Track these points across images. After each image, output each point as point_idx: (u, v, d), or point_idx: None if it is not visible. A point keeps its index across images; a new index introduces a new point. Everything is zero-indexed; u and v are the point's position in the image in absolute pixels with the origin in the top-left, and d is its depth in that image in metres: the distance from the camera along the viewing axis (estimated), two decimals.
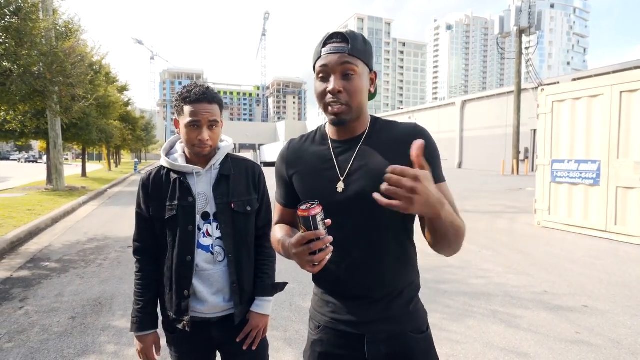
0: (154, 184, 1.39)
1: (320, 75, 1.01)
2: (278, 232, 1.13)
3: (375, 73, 1.07)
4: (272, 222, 1.24)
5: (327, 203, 1.00)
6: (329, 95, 0.99)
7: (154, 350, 1.40)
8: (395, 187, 0.76)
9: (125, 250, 5.49)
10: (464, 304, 3.47)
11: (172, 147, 1.49)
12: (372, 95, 1.08)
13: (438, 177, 1.03)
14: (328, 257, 0.88)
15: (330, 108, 1.00)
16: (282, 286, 1.46)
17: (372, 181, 0.99)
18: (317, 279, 1.14)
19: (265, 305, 1.41)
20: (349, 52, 0.98)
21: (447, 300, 3.56)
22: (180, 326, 1.33)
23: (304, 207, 0.88)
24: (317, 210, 0.87)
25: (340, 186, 1.03)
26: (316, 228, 0.86)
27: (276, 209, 1.23)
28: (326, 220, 0.89)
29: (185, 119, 1.32)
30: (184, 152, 1.42)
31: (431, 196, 0.79)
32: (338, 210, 1.01)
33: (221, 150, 1.43)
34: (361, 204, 1.01)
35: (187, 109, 1.31)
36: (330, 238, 0.86)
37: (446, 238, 0.93)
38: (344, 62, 0.97)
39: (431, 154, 1.02)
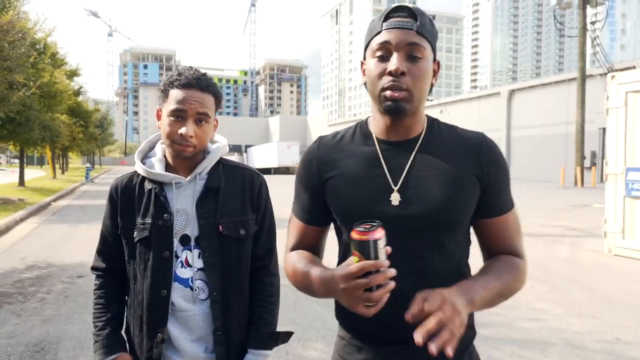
0: (123, 195, 1.40)
1: (379, 53, 1.02)
2: (298, 261, 1.12)
3: (438, 63, 1.11)
4: (287, 246, 1.22)
5: (375, 216, 1.01)
6: (388, 77, 1.00)
7: None
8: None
9: (74, 280, 5.52)
10: (511, 355, 3.46)
11: (151, 148, 1.49)
12: (430, 90, 1.10)
13: (505, 205, 1.12)
14: (387, 295, 0.87)
15: (389, 92, 1.00)
16: (284, 337, 1.44)
17: (435, 201, 1.03)
18: (347, 318, 1.13)
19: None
20: (417, 29, 1.01)
21: (491, 349, 3.55)
22: None
23: (361, 228, 0.86)
24: (379, 234, 0.85)
25: (395, 198, 1.04)
26: (376, 257, 0.84)
27: (293, 228, 1.21)
28: (387, 247, 0.88)
29: (168, 107, 1.32)
30: (164, 156, 1.43)
31: (459, 315, 0.88)
32: (390, 228, 1.01)
33: (211, 155, 1.42)
34: (421, 224, 1.03)
35: (173, 93, 1.32)
36: (393, 271, 0.86)
37: (493, 304, 1.05)
38: (411, 42, 1.00)
39: (499, 176, 1.10)
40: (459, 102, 37.44)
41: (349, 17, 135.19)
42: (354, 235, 0.86)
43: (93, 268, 1.46)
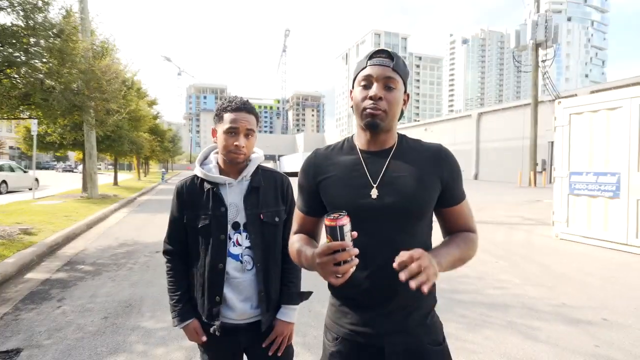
0: (188, 192, 1.42)
1: (363, 83, 1.06)
2: (296, 242, 1.13)
3: (408, 95, 1.12)
4: (292, 231, 1.22)
5: (359, 207, 1.03)
6: (369, 101, 1.04)
7: (200, 335, 1.39)
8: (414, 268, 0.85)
9: (153, 255, 5.63)
10: (480, 314, 3.40)
11: (206, 157, 1.51)
12: (401, 115, 1.11)
13: (460, 196, 1.12)
14: (352, 269, 0.86)
15: (368, 111, 1.03)
16: (307, 295, 1.47)
17: (406, 194, 1.04)
18: (335, 287, 1.12)
19: (290, 313, 1.42)
20: (393, 67, 1.04)
21: (464, 310, 3.50)
22: (210, 330, 1.36)
23: (331, 216, 0.86)
24: (344, 221, 0.85)
25: (374, 192, 1.04)
26: (342, 239, 0.84)
27: (296, 218, 1.21)
28: (352, 232, 0.88)
29: (224, 126, 1.35)
30: (218, 163, 1.44)
31: (434, 267, 0.89)
32: (370, 216, 1.04)
33: (252, 162, 1.44)
34: (395, 213, 1.03)
35: (227, 116, 1.35)
36: (356, 250, 0.86)
37: (453, 268, 1.05)
38: (387, 76, 1.03)
39: (454, 175, 1.10)
40: (439, 123, 36.89)
41: (355, 59, 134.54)
42: (325, 222, 0.86)
43: (164, 252, 1.48)
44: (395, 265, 0.86)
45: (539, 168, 23.66)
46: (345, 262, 0.85)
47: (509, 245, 6.30)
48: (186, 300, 1.42)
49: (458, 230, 1.12)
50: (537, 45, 22.50)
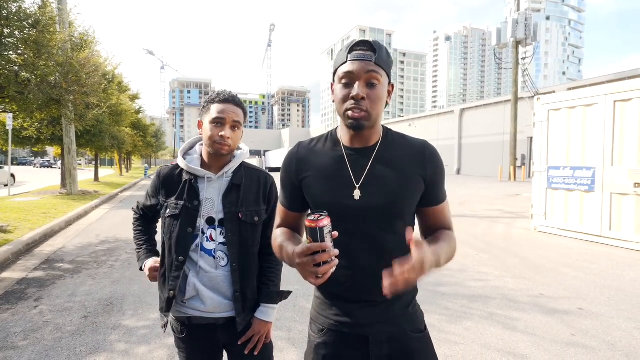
0: (166, 178, 1.42)
1: (344, 80, 0.99)
2: (279, 236, 1.10)
3: (392, 85, 1.07)
4: (275, 225, 1.19)
5: (341, 208, 1.01)
6: (351, 101, 0.98)
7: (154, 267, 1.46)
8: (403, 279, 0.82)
9: (135, 252, 5.50)
10: (461, 306, 3.45)
11: (191, 147, 1.48)
12: (385, 105, 1.07)
13: (441, 197, 1.10)
14: (332, 270, 0.85)
15: (350, 113, 0.98)
16: (286, 294, 1.43)
17: (389, 195, 1.02)
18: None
19: (269, 312, 1.39)
20: (375, 61, 0.97)
21: (446, 302, 3.55)
22: (163, 322, 1.37)
23: (312, 217, 0.84)
24: (325, 222, 0.83)
25: (357, 194, 1.02)
26: (322, 240, 0.82)
27: (279, 212, 1.19)
28: (333, 232, 0.86)
29: (210, 116, 1.33)
30: (201, 156, 1.42)
31: (425, 273, 0.84)
32: (352, 217, 1.02)
33: (236, 159, 1.42)
34: (377, 214, 1.01)
35: (214, 107, 1.34)
36: (336, 251, 0.84)
37: (447, 263, 1.02)
38: (369, 71, 0.97)
39: (438, 175, 1.08)
40: (423, 118, 37.28)
41: None
42: (306, 223, 0.84)
43: (135, 208, 1.58)
44: (386, 292, 0.83)
45: (518, 163, 24.21)
46: (325, 262, 0.83)
47: (490, 238, 6.42)
48: (148, 245, 1.54)
49: (438, 228, 1.11)
50: (518, 43, 22.93)
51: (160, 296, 1.40)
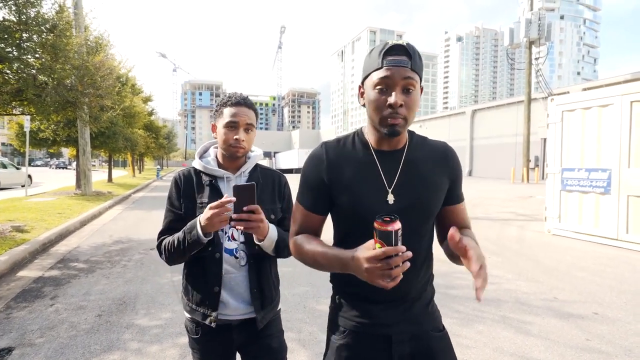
0: (185, 182, 1.40)
1: (379, 87, 0.97)
2: (305, 242, 1.06)
3: (422, 87, 1.06)
4: (294, 229, 1.14)
5: (375, 212, 0.99)
6: (389, 109, 0.97)
7: (221, 198, 1.22)
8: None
9: (148, 252, 5.59)
10: (474, 309, 3.42)
11: (205, 151, 1.50)
12: None
13: (461, 196, 1.13)
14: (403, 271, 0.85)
15: (390, 120, 0.97)
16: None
17: (421, 198, 1.05)
18: (340, 283, 1.12)
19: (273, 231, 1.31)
20: (411, 67, 0.96)
21: (458, 305, 3.52)
22: (207, 322, 1.33)
23: (382, 219, 0.83)
24: (399, 225, 0.83)
25: (390, 198, 1.03)
26: (397, 243, 0.83)
27: (299, 215, 1.12)
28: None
29: (224, 120, 1.35)
30: (217, 157, 1.44)
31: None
32: None
33: (251, 160, 1.44)
34: (409, 216, 1.01)
35: (227, 111, 1.35)
36: (409, 254, 0.83)
37: None
38: (406, 77, 0.96)
39: (458, 174, 1.11)
40: (434, 119, 37.01)
41: (351, 55, 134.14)
42: (377, 225, 0.83)
43: (157, 246, 1.38)
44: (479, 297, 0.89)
45: (531, 164, 23.84)
46: (396, 265, 0.83)
47: (502, 241, 6.34)
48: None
49: (459, 227, 1.11)
50: (531, 43, 22.60)
51: (196, 296, 1.35)
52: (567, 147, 6.72)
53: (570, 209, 6.66)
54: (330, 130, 79.49)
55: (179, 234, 1.31)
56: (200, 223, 1.24)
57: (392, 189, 1.03)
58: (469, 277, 4.33)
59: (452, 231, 0.88)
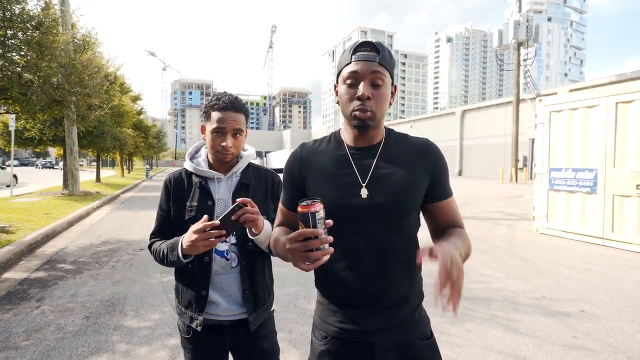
0: (176, 185, 1.40)
1: (349, 81, 1.00)
2: (275, 232, 1.10)
3: (395, 86, 1.07)
4: (274, 226, 1.19)
5: (348, 207, 1.01)
6: (357, 102, 0.99)
7: (202, 222, 1.17)
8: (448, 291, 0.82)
9: (137, 253, 5.52)
10: (463, 308, 3.44)
11: (196, 151, 1.49)
12: (388, 106, 1.08)
13: (447, 192, 1.09)
14: (325, 257, 0.84)
15: (357, 113, 0.99)
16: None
17: (396, 193, 1.02)
18: (324, 286, 1.10)
19: (268, 226, 1.29)
20: (379, 61, 0.98)
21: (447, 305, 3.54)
22: (193, 325, 1.33)
23: (304, 203, 0.84)
24: (316, 207, 0.83)
25: (364, 192, 1.02)
26: (314, 226, 0.82)
27: (279, 212, 1.18)
28: (327, 221, 0.86)
29: (211, 125, 1.32)
30: (207, 158, 1.42)
31: (461, 272, 0.83)
32: (359, 216, 1.01)
33: (243, 159, 1.42)
34: (384, 213, 1.01)
35: (214, 115, 1.32)
36: (330, 238, 0.83)
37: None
38: (374, 71, 0.98)
39: (441, 170, 1.08)
40: (424, 120, 37.28)
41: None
42: (298, 209, 0.84)
43: (149, 246, 1.41)
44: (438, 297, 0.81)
45: (520, 164, 24.17)
46: (317, 249, 0.82)
47: (492, 240, 6.41)
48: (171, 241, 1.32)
49: (448, 225, 1.09)
50: (519, 45, 22.91)
51: (184, 299, 1.36)
52: (554, 148, 6.82)
53: (558, 208, 6.77)
54: (322, 130, 79.59)
55: (164, 248, 1.31)
56: (182, 245, 1.22)
57: (367, 183, 1.02)
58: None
59: (420, 254, 0.85)
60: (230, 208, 1.15)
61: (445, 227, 1.09)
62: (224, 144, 1.31)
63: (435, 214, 1.09)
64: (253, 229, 1.23)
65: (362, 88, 0.97)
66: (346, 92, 1.01)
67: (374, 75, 0.98)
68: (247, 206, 1.16)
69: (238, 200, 1.16)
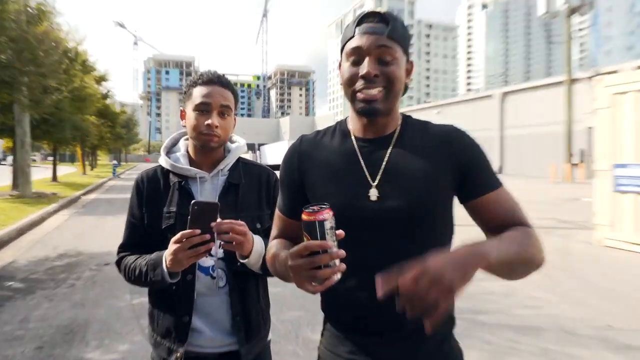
0: (149, 186, 1.39)
1: (352, 58, 1.00)
2: (273, 247, 1.09)
3: (412, 63, 1.06)
4: (270, 238, 1.19)
5: (355, 212, 1.00)
6: (361, 81, 0.98)
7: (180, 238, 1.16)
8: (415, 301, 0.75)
9: (101, 268, 5.54)
10: (507, 340, 3.41)
11: (174, 144, 1.49)
12: (405, 90, 1.07)
13: (490, 183, 1.04)
14: (336, 277, 0.82)
15: (360, 94, 0.98)
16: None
17: (415, 193, 1.00)
18: (331, 309, 1.10)
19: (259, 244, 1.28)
20: (388, 34, 0.97)
21: (487, 335, 3.51)
22: (172, 359, 1.30)
23: (310, 209, 0.83)
24: (325, 215, 0.82)
25: (373, 194, 1.00)
26: (323, 237, 0.81)
27: (276, 220, 1.18)
28: (337, 231, 0.84)
29: (193, 102, 1.32)
30: (188, 152, 1.42)
31: (450, 274, 0.74)
32: (369, 223, 1.00)
33: (231, 153, 1.42)
34: (398, 218, 0.99)
35: (197, 91, 1.32)
36: (342, 253, 0.82)
37: (514, 272, 0.97)
38: (381, 46, 0.97)
39: (475, 159, 1.05)
40: (454, 104, 37.25)
41: None
42: (303, 216, 0.82)
43: (117, 262, 1.39)
44: (378, 294, 0.78)
45: (575, 160, 24.03)
46: (326, 266, 0.80)
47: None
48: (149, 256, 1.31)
49: (501, 225, 1.02)
50: (572, 11, 22.74)
51: (160, 325, 1.34)
52: (618, 138, 6.75)
53: (625, 214, 6.68)
54: (328, 117, 79.78)
55: (140, 265, 1.28)
56: (165, 261, 1.21)
57: (377, 183, 1.01)
58: (501, 299, 4.33)
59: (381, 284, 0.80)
60: (211, 202, 1.16)
61: (500, 227, 1.02)
62: (208, 122, 1.29)
63: (482, 212, 1.04)
64: (240, 252, 1.21)
65: (366, 65, 0.97)
66: (348, 70, 1.01)
67: (380, 50, 0.97)
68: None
69: (213, 224, 1.12)
